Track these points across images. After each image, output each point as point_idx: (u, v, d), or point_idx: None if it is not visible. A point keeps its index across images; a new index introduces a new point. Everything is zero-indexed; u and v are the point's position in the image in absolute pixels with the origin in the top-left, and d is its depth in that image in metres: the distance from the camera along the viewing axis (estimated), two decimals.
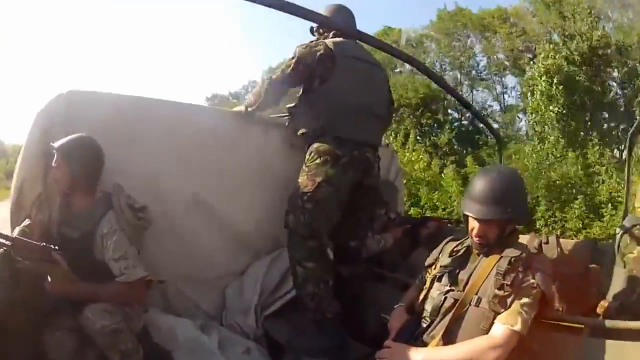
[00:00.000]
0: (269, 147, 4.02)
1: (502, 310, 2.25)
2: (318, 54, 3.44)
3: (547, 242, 3.84)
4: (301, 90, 3.63)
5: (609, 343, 2.43)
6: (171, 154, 3.53)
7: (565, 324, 2.63)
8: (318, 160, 3.37)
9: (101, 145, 3.03)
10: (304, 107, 3.59)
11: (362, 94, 3.52)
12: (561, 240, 3.94)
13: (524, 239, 3.78)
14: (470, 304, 2.34)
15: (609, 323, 2.55)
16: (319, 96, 3.47)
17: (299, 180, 3.41)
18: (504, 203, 2.39)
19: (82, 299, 2.73)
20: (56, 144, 2.89)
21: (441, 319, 2.41)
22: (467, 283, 2.42)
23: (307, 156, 3.45)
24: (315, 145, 3.42)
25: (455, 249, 2.62)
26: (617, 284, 3.23)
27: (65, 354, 2.71)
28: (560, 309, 3.11)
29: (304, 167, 3.44)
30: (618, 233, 3.50)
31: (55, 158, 2.90)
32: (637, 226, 3.34)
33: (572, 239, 4.49)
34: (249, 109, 3.77)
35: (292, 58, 3.50)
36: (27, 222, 2.97)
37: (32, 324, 2.72)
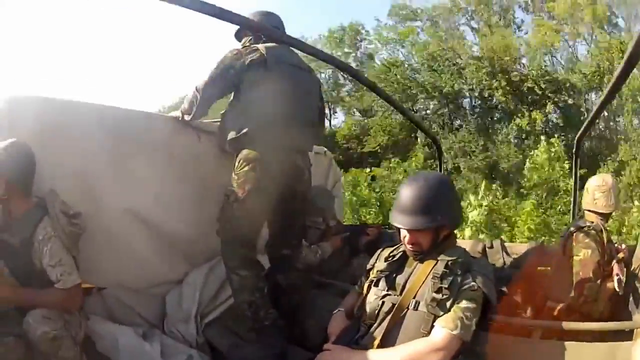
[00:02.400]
0: (202, 154, 3.96)
1: (442, 313, 2.23)
2: (249, 59, 3.41)
3: (491, 247, 3.90)
4: (232, 96, 3.58)
5: (560, 344, 2.48)
6: (106, 160, 3.45)
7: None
8: (246, 168, 3.33)
9: (38, 150, 2.99)
10: (234, 113, 3.53)
11: (292, 101, 3.47)
12: (507, 244, 4.00)
13: (466, 244, 3.73)
14: (408, 308, 2.32)
15: (558, 325, 2.67)
16: (249, 101, 3.43)
17: (230, 188, 3.39)
18: (433, 211, 2.37)
19: (22, 304, 2.73)
20: None
21: (380, 323, 2.38)
22: (404, 287, 2.41)
23: (236, 163, 3.42)
24: (245, 152, 3.38)
25: (391, 254, 2.60)
26: (565, 286, 3.30)
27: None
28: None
29: (233, 174, 3.41)
30: (564, 236, 3.62)
31: None
32: (584, 229, 3.44)
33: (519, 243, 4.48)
34: (186, 117, 3.72)
35: (220, 63, 3.47)
36: None
37: None
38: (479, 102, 27.00)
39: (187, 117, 3.69)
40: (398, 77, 28.28)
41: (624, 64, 2.38)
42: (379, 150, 28.16)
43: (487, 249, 3.94)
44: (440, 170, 5.42)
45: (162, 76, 60.29)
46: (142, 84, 59.49)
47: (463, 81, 25.66)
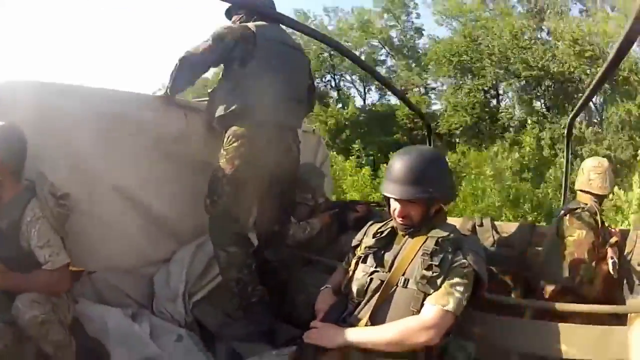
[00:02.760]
0: (189, 132, 3.95)
1: (432, 291, 2.22)
2: (239, 33, 3.40)
3: (481, 225, 3.93)
4: (221, 73, 3.57)
5: (553, 325, 2.49)
6: (94, 141, 3.42)
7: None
8: (236, 144, 3.33)
9: (27, 134, 2.99)
10: (223, 89, 3.51)
11: (282, 78, 3.46)
12: (497, 223, 4.02)
13: (456, 221, 3.69)
14: (397, 285, 2.30)
15: (551, 305, 2.67)
16: (238, 78, 3.41)
17: (218, 163, 3.39)
18: (425, 182, 2.34)
19: (10, 289, 2.72)
20: None
21: (368, 301, 2.37)
22: (392, 264, 2.39)
23: (224, 139, 3.42)
24: (233, 128, 3.39)
25: (379, 230, 2.59)
26: (558, 266, 3.28)
27: (3, 346, 2.67)
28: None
29: (222, 150, 3.41)
30: (557, 216, 3.60)
31: None
32: (578, 209, 3.43)
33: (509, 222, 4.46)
34: (168, 92, 3.70)
35: (210, 36, 3.43)
36: None
37: None
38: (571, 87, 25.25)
39: (168, 92, 3.68)
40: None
41: (619, 46, 2.33)
42: (453, 132, 25.51)
43: (477, 226, 3.94)
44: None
45: (161, 57, 60.01)
46: (143, 66, 59.21)
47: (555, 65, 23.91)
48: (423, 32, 29.50)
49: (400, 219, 2.40)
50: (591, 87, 3.35)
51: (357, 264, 2.54)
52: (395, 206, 2.41)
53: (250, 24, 3.47)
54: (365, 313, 2.31)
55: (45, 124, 3.16)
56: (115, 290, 3.58)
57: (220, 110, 3.45)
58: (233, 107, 3.37)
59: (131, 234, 3.67)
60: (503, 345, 2.57)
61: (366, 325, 2.27)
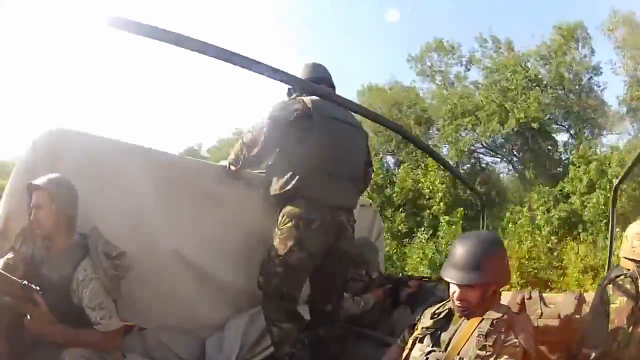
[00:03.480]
0: (250, 204, 4.00)
1: None
2: (295, 113, 3.40)
3: (529, 298, 3.88)
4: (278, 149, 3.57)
5: None
6: (156, 202, 3.52)
7: None
8: (290, 224, 3.34)
9: (83, 187, 3.02)
10: (278, 167, 3.53)
11: (338, 156, 3.48)
12: (545, 295, 3.96)
13: (506, 295, 3.77)
14: None
15: None
16: (294, 156, 3.42)
17: (272, 243, 3.39)
18: (483, 268, 2.41)
19: (60, 341, 2.70)
20: (39, 183, 2.86)
21: None
22: (448, 344, 2.42)
23: (279, 218, 3.42)
24: (288, 208, 3.39)
25: (437, 311, 2.62)
26: (599, 333, 3.25)
27: None
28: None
29: (276, 229, 3.41)
30: (601, 284, 3.51)
31: (38, 197, 2.87)
32: (621, 277, 3.36)
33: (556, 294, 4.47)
34: (232, 168, 3.77)
35: (268, 119, 3.47)
36: (10, 254, 2.95)
37: (15, 355, 2.74)
38: None
39: (232, 168, 3.75)
40: None
41: None
42: None
43: (525, 300, 3.96)
44: (483, 225, 5.37)
45: (200, 116, 60.66)
46: (181, 124, 59.92)
47: None
48: None
49: (459, 302, 2.45)
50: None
51: (414, 343, 2.58)
52: (454, 289, 2.47)
53: (307, 99, 3.45)
54: None
55: (105, 179, 3.26)
56: (165, 349, 3.63)
57: (275, 189, 3.48)
58: (288, 188, 3.39)
59: (187, 296, 3.72)
60: None
61: None
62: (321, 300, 3.67)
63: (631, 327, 3.21)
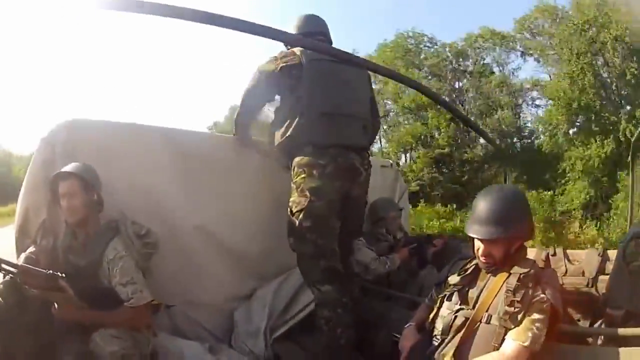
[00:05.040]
0: (268, 171, 4.02)
1: (513, 326, 2.24)
2: (281, 64, 3.39)
3: (554, 254, 3.86)
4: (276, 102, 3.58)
5: (619, 350, 2.44)
6: (175, 180, 3.57)
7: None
8: (303, 175, 3.32)
9: (105, 173, 3.07)
10: (278, 119, 3.52)
11: (337, 97, 3.43)
12: (569, 251, 3.94)
13: (530, 252, 3.79)
14: (480, 322, 2.33)
15: (617, 331, 2.60)
16: (291, 105, 3.40)
17: (291, 199, 3.37)
18: (506, 222, 2.39)
19: (90, 324, 2.74)
20: (68, 170, 2.91)
21: (452, 337, 2.39)
22: (477, 301, 2.41)
23: (292, 172, 3.39)
24: (297, 159, 3.37)
25: (464, 268, 2.61)
26: (622, 292, 3.23)
27: None
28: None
29: (292, 184, 3.39)
30: (623, 242, 3.44)
31: (70, 185, 2.91)
32: None
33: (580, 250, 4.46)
34: (235, 133, 3.81)
35: (255, 73, 3.49)
36: (32, 248, 3.00)
37: (41, 350, 2.74)
38: None
39: (236, 133, 3.80)
40: None
41: None
42: None
43: (550, 256, 3.96)
44: (505, 179, 5.31)
45: (211, 94, 60.70)
46: (191, 103, 59.88)
47: None
48: None
49: (484, 257, 2.44)
50: None
51: (442, 301, 2.57)
52: (478, 245, 2.45)
53: (297, 49, 3.45)
54: (449, 350, 2.33)
55: (121, 163, 3.29)
56: (193, 323, 3.66)
57: (278, 138, 3.46)
58: (289, 134, 3.36)
59: (212, 270, 3.75)
60: None
61: None
62: (344, 251, 3.59)
63: None
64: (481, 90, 28.05)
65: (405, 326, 2.78)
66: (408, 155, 30.12)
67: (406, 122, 30.43)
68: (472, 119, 23.16)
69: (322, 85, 3.37)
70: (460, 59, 29.89)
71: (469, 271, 2.57)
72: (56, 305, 2.68)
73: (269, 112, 3.77)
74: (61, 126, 3.25)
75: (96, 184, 2.99)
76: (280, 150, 3.52)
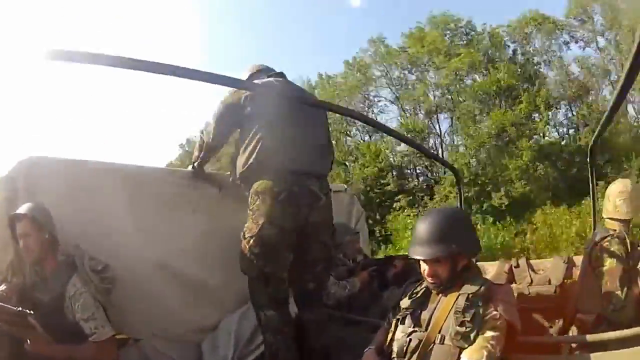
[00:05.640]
0: (225, 204, 4.05)
1: (467, 345, 2.26)
2: (243, 95, 3.44)
3: (517, 266, 3.89)
4: (237, 134, 3.62)
5: (592, 356, 2.44)
6: (132, 217, 3.58)
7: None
8: (258, 201, 3.33)
9: (60, 211, 3.12)
10: (239, 148, 3.53)
11: (295, 125, 3.44)
12: (532, 261, 3.98)
13: (493, 265, 3.72)
14: (434, 343, 2.35)
15: (588, 337, 2.65)
16: (250, 135, 3.42)
17: (246, 225, 3.39)
18: (446, 239, 2.43)
19: (59, 359, 2.81)
20: (22, 212, 2.97)
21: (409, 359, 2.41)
22: (429, 322, 2.44)
23: (249, 200, 3.41)
24: (254, 185, 3.38)
25: (415, 291, 2.65)
26: (592, 296, 3.29)
27: None
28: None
29: (248, 210, 3.41)
30: (587, 247, 3.57)
31: (24, 226, 2.97)
32: (607, 238, 3.41)
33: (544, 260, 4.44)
34: (195, 165, 3.87)
35: (219, 104, 3.56)
36: (3, 286, 3.03)
37: None
38: None
39: (195, 165, 3.85)
40: None
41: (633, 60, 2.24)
42: None
43: (513, 268, 3.94)
44: (461, 202, 5.29)
45: (164, 130, 61.53)
46: (145, 141, 60.07)
47: None
48: None
49: (430, 278, 2.47)
50: (609, 109, 3.24)
51: (396, 324, 2.60)
52: (424, 267, 2.49)
53: (257, 81, 3.58)
54: None
55: (76, 200, 3.31)
56: (162, 356, 3.66)
57: (239, 168, 3.49)
58: (250, 162, 3.38)
59: (175, 304, 3.76)
60: None
61: None
62: (302, 278, 3.62)
63: (625, 289, 3.24)
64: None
65: (365, 350, 2.79)
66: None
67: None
68: None
69: (281, 115, 3.37)
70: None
71: (419, 294, 2.61)
72: (28, 342, 2.72)
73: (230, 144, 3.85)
74: (22, 163, 3.27)
75: (48, 223, 3.03)
76: (242, 179, 3.54)
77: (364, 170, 28.62)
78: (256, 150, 3.36)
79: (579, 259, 3.99)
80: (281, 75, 3.81)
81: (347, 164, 30.77)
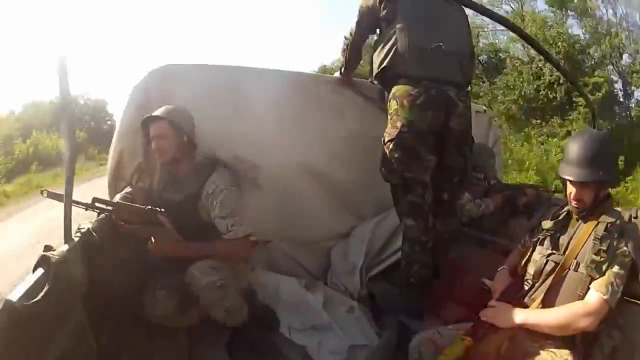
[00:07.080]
0: (369, 110, 4.04)
1: (598, 276, 2.25)
2: None
3: (636, 217, 3.82)
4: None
5: None
6: (275, 121, 3.62)
7: None
8: (396, 105, 3.26)
9: (201, 115, 3.16)
10: (377, 51, 3.45)
11: (433, 31, 3.32)
12: None
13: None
14: (569, 269, 2.36)
15: None
16: (387, 38, 3.34)
17: (385, 130, 3.34)
18: (598, 165, 2.39)
19: (188, 257, 2.84)
20: (158, 114, 3.00)
21: (542, 282, 2.44)
22: (567, 247, 2.44)
23: (388, 103, 3.36)
24: (393, 90, 3.31)
25: (556, 214, 2.62)
26: None
27: (166, 312, 2.83)
28: None
29: (387, 115, 3.36)
30: None
31: (159, 127, 3.00)
32: None
33: None
34: (342, 71, 3.87)
35: (359, 7, 3.50)
36: (127, 189, 3.17)
37: (130, 285, 2.82)
38: None
39: (342, 72, 3.86)
40: None
41: None
42: None
43: (632, 219, 3.80)
44: (594, 128, 5.12)
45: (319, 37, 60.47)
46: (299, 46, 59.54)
47: None
48: None
49: (575, 202, 2.44)
50: None
51: (534, 245, 2.59)
52: (570, 189, 2.45)
53: None
54: (539, 295, 2.38)
55: (217, 106, 3.38)
56: (290, 260, 3.77)
57: (375, 70, 3.43)
58: (385, 64, 3.32)
59: (312, 207, 3.83)
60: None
61: (538, 306, 2.34)
62: (438, 186, 3.50)
63: None
64: None
65: (499, 269, 2.83)
66: None
67: None
68: None
69: (419, 19, 3.32)
70: None
71: (561, 217, 2.58)
72: (154, 240, 2.74)
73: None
74: (155, 72, 3.35)
75: (186, 126, 3.06)
76: (378, 81, 3.53)
77: None
78: (392, 54, 3.29)
79: None
80: None
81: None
